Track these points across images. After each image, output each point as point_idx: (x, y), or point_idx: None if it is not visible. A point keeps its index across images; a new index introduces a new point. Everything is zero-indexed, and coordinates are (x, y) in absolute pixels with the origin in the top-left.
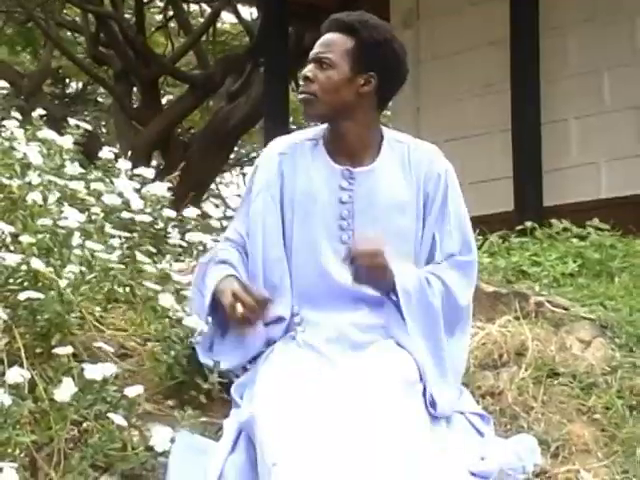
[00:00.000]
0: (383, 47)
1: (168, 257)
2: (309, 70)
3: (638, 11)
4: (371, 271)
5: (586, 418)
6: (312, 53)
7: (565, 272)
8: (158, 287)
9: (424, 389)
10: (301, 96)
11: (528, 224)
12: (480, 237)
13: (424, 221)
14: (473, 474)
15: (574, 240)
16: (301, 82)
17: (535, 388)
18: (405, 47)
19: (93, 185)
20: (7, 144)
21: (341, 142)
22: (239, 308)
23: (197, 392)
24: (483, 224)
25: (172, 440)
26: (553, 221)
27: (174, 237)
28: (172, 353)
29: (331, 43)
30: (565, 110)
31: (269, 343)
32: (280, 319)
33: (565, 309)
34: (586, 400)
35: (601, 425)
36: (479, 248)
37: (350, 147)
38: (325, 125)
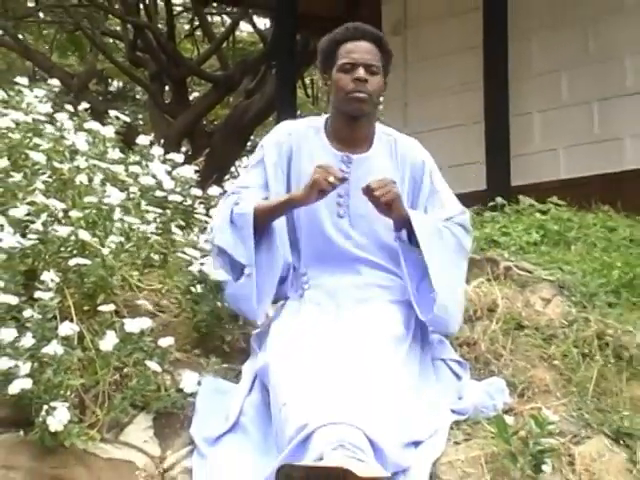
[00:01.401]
0: (391, 60)
1: (195, 229)
2: (363, 74)
3: (590, 21)
4: (387, 195)
5: (547, 364)
6: (358, 57)
7: (529, 241)
8: (189, 255)
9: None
10: (359, 95)
11: (498, 201)
12: None
13: (413, 202)
14: (453, 411)
15: (537, 214)
16: (351, 83)
17: (504, 339)
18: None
19: (131, 168)
20: (59, 134)
21: (351, 133)
22: (330, 178)
23: (219, 343)
24: (460, 201)
25: (199, 383)
26: (519, 198)
27: (200, 212)
28: (198, 310)
29: (371, 52)
30: (529, 105)
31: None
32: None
33: (529, 272)
34: (547, 349)
35: (559, 370)
36: None
37: (356, 138)
38: (325, 115)
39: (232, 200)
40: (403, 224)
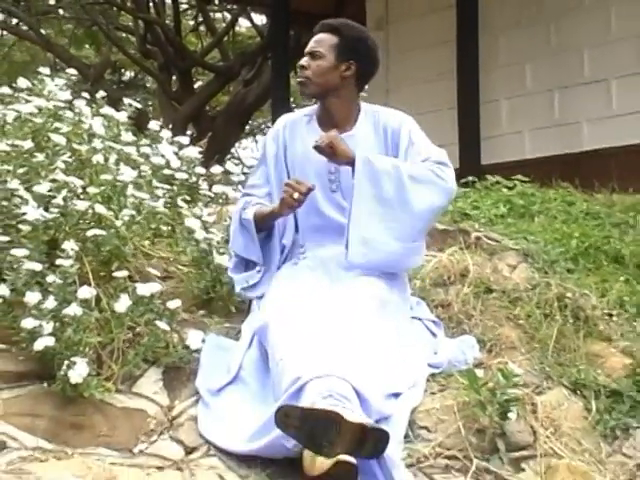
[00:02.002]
0: (359, 42)
1: (200, 204)
2: (304, 60)
3: (552, 17)
4: (325, 141)
5: (513, 323)
6: (306, 49)
7: (497, 214)
8: (193, 225)
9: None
10: (298, 79)
11: (469, 178)
12: None
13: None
14: (429, 365)
15: (504, 190)
16: (298, 69)
17: (475, 301)
18: (377, 43)
19: (142, 149)
20: (77, 118)
21: (328, 115)
22: (295, 194)
23: (221, 305)
24: None
25: (203, 340)
26: (488, 176)
27: (204, 188)
28: (202, 275)
29: (321, 40)
30: (497, 92)
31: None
32: (283, 249)
33: (497, 242)
34: (513, 310)
35: (524, 328)
36: None
37: (335, 118)
38: (317, 104)
39: (241, 205)
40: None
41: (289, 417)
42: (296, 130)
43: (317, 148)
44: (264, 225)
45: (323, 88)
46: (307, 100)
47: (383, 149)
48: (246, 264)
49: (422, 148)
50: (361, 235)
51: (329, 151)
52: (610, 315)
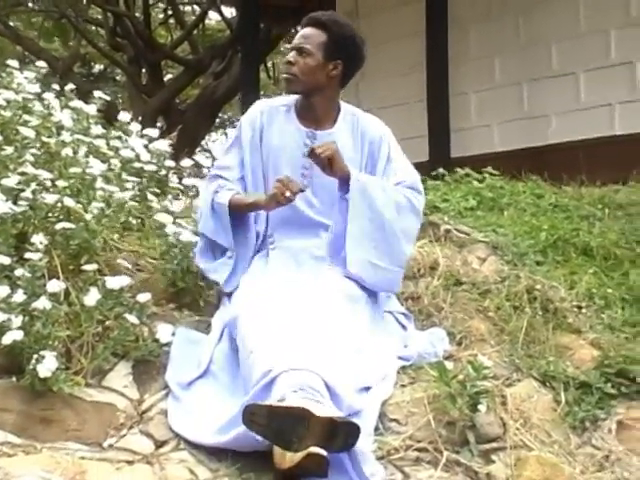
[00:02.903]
0: (348, 41)
1: (169, 197)
2: (291, 56)
3: (521, 11)
4: (326, 152)
5: (482, 316)
6: (294, 42)
7: (467, 207)
8: (162, 218)
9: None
10: (284, 75)
11: (439, 171)
12: None
13: (371, 174)
14: (399, 358)
15: (474, 183)
16: (283, 65)
17: (444, 293)
18: (363, 39)
19: (112, 142)
20: (46, 111)
21: (310, 111)
22: (287, 193)
23: (191, 298)
24: None
25: (173, 334)
26: (458, 169)
27: (174, 181)
28: (172, 268)
29: (309, 36)
30: (467, 85)
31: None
32: (257, 235)
33: (467, 234)
34: (482, 302)
35: (493, 321)
36: None
37: (316, 115)
38: (297, 96)
39: (213, 187)
40: (347, 184)
41: (256, 415)
42: (274, 119)
43: (312, 155)
44: (239, 213)
45: (309, 86)
46: (289, 94)
47: (359, 153)
48: (213, 250)
49: (398, 168)
50: (362, 257)
51: (326, 162)
52: (579, 307)
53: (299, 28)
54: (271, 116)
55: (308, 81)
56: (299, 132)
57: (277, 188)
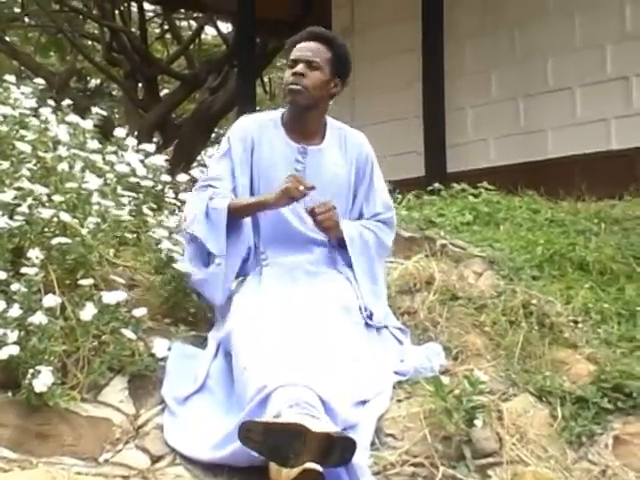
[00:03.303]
0: (347, 60)
1: (165, 212)
2: (301, 68)
3: (517, 26)
4: (327, 222)
5: (478, 330)
6: (300, 54)
7: (463, 221)
8: (159, 235)
9: (361, 308)
10: (292, 87)
11: (435, 186)
12: (399, 195)
13: (355, 191)
14: (396, 372)
15: (470, 198)
16: (291, 76)
17: (441, 308)
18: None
19: (108, 157)
20: (43, 126)
21: (301, 126)
22: (300, 187)
23: (187, 313)
24: (402, 186)
25: (169, 349)
26: (454, 184)
27: (170, 196)
28: (168, 284)
29: (316, 50)
30: (463, 100)
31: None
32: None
33: (463, 249)
34: (478, 317)
35: (489, 335)
36: (399, 204)
37: (307, 130)
38: (281, 110)
39: (207, 194)
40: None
41: (252, 432)
42: (263, 135)
43: (312, 214)
44: (237, 219)
45: (315, 100)
46: (293, 107)
47: (348, 166)
48: (202, 256)
49: (377, 198)
50: (380, 307)
51: (322, 228)
52: (575, 322)
53: (297, 41)
54: (261, 132)
55: (316, 95)
56: (290, 148)
57: (291, 182)
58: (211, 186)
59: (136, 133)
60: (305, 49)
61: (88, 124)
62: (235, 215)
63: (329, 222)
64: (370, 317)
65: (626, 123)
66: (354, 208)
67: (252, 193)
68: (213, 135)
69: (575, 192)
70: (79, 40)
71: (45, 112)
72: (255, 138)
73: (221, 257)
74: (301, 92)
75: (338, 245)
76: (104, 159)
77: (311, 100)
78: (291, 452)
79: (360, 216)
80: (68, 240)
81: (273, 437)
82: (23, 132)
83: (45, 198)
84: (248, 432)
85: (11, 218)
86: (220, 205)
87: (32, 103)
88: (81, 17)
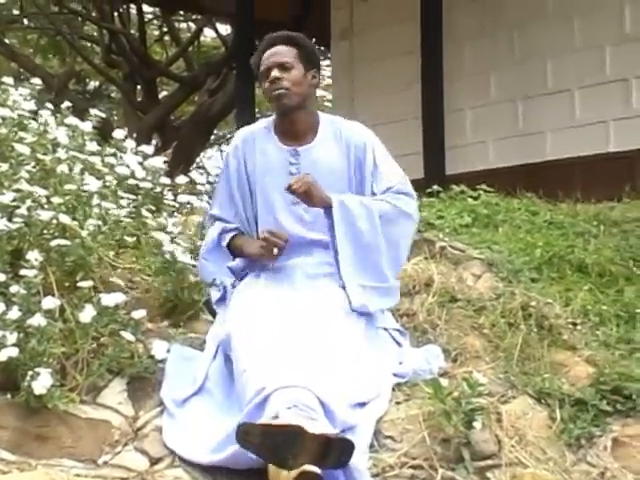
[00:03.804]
0: (312, 49)
1: (164, 214)
2: (276, 73)
3: (516, 27)
4: (302, 186)
5: (477, 332)
6: (270, 62)
7: (462, 224)
8: (158, 236)
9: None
10: (276, 92)
11: (434, 188)
12: None
13: (361, 180)
14: (394, 374)
15: (469, 200)
16: (270, 84)
17: (439, 310)
18: None
19: (107, 159)
20: (42, 128)
21: (291, 128)
22: (275, 250)
23: (186, 315)
24: None
25: (168, 350)
26: (453, 186)
27: (169, 198)
28: (168, 286)
29: (283, 52)
30: (462, 102)
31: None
32: None
33: (462, 251)
34: (477, 319)
35: (488, 338)
36: None
37: (297, 131)
38: (273, 117)
39: (217, 230)
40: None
41: (250, 434)
42: (255, 143)
43: (291, 190)
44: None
45: (302, 98)
46: (285, 111)
47: (346, 161)
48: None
49: (385, 173)
50: (357, 283)
51: (304, 197)
52: (574, 324)
53: (261, 52)
54: (253, 141)
55: (300, 92)
56: (281, 151)
57: (264, 248)
58: (218, 218)
59: (135, 135)
60: (271, 55)
61: (87, 126)
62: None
63: (303, 184)
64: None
65: (625, 125)
66: (365, 193)
67: (252, 200)
68: (212, 137)
69: (574, 194)
70: (78, 42)
71: (44, 114)
72: (246, 149)
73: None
74: (285, 94)
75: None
76: (103, 161)
77: (298, 98)
78: (289, 453)
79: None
80: (67, 242)
81: (271, 439)
82: (22, 134)
83: (44, 200)
84: (246, 434)
85: (10, 220)
86: (224, 243)
87: (31, 105)
88: (80, 19)
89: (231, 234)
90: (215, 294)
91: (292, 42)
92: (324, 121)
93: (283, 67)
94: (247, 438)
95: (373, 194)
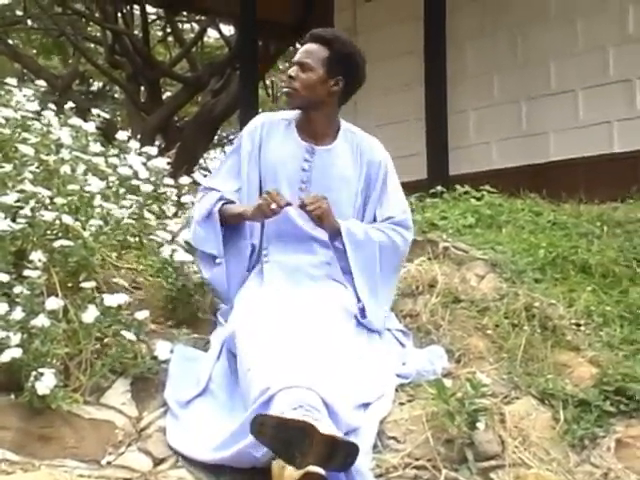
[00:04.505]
0: (349, 58)
1: (168, 214)
2: (293, 70)
3: (519, 29)
4: (317, 210)
5: (481, 333)
6: (296, 57)
7: (465, 224)
8: (161, 237)
9: (361, 311)
10: (285, 90)
11: (438, 189)
12: None
13: (367, 197)
14: (398, 375)
15: (472, 200)
16: (285, 79)
17: (443, 311)
18: (365, 58)
19: (110, 160)
20: (45, 129)
21: (309, 126)
22: (273, 205)
23: (189, 315)
24: (404, 189)
25: (171, 351)
26: (456, 186)
27: (172, 199)
28: (170, 286)
29: (311, 51)
30: (465, 103)
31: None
32: (253, 249)
33: (465, 252)
34: (481, 320)
35: (492, 338)
36: None
37: (315, 131)
38: (297, 111)
39: (213, 199)
40: (337, 234)
41: (264, 426)
42: (273, 132)
43: (302, 208)
44: (228, 222)
45: (309, 101)
46: (289, 109)
47: (358, 170)
48: (209, 257)
49: (391, 203)
50: (374, 306)
51: (316, 219)
52: (578, 325)
53: (302, 44)
54: (271, 129)
55: (308, 96)
56: (298, 146)
57: (264, 199)
58: (214, 189)
59: (138, 136)
60: (301, 51)
61: (90, 127)
62: (227, 220)
63: (319, 210)
64: (362, 314)
65: (629, 126)
66: (367, 212)
67: (261, 188)
68: (215, 138)
69: (577, 195)
70: (81, 43)
71: (47, 115)
72: (264, 135)
73: (220, 257)
74: (292, 94)
75: (343, 251)
76: (106, 162)
77: (304, 101)
78: (298, 451)
79: (374, 221)
80: (70, 243)
81: (284, 432)
82: (26, 135)
83: (47, 201)
84: (261, 426)
85: (14, 221)
86: (214, 209)
87: (34, 106)
88: (83, 20)
89: (220, 202)
90: (224, 307)
91: (327, 43)
92: (345, 129)
93: (302, 67)
94: (261, 429)
95: (374, 219)
